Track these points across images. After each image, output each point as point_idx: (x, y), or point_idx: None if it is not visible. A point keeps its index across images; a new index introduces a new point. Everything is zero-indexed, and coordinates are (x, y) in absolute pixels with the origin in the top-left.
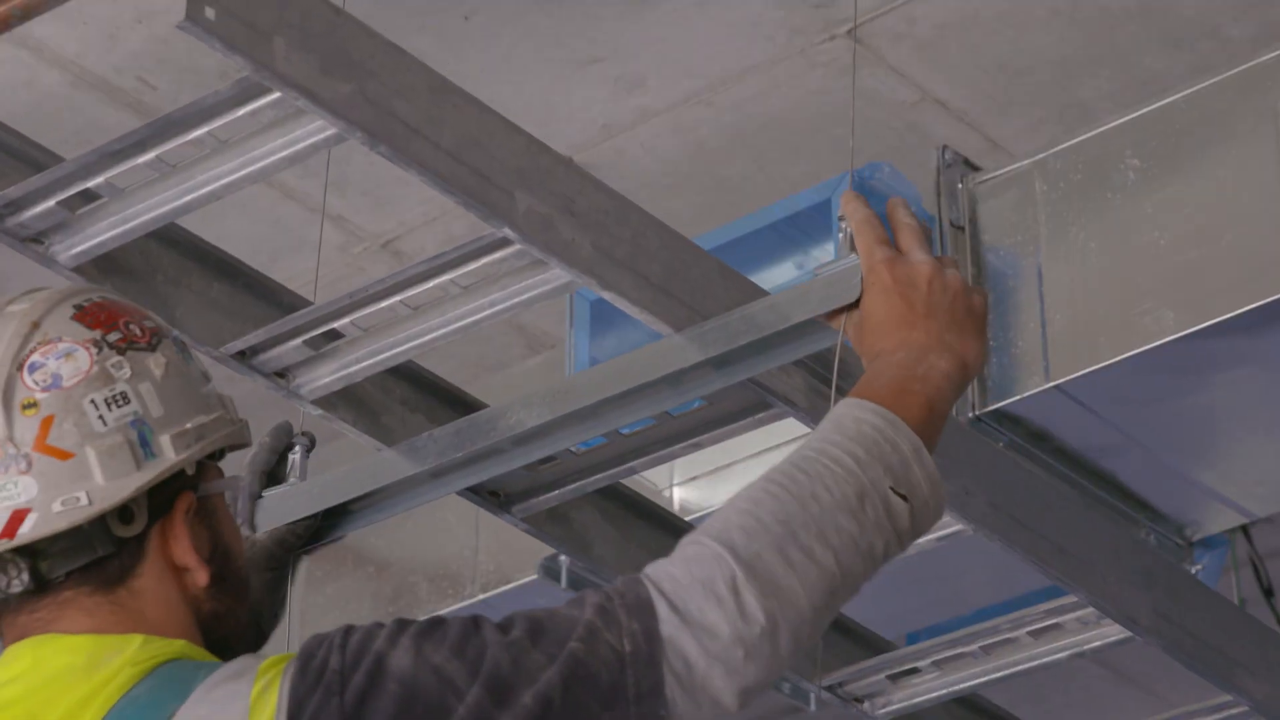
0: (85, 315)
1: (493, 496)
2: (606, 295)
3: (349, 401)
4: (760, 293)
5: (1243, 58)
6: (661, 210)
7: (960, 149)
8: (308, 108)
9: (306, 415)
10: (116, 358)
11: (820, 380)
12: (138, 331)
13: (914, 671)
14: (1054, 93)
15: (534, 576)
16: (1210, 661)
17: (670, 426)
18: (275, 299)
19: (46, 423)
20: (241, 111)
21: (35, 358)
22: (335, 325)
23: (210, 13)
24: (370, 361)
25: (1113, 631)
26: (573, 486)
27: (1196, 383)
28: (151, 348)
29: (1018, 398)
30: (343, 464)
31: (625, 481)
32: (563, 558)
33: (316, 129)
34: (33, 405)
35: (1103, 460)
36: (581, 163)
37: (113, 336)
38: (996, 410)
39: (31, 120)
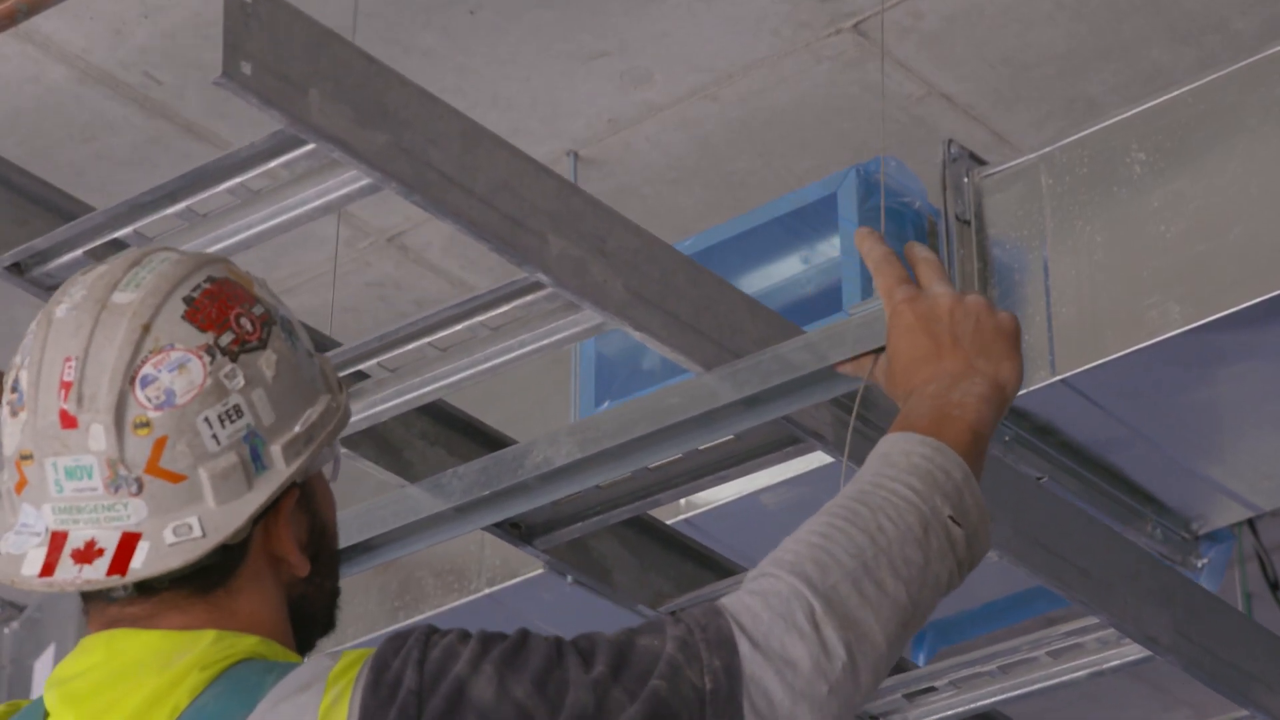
0: (197, 313)
1: (514, 529)
2: (638, 335)
3: (370, 439)
4: (788, 328)
5: (1249, 51)
6: (667, 205)
7: (966, 143)
8: (343, 159)
9: None
10: (230, 366)
11: (848, 413)
12: (249, 326)
13: (931, 690)
14: (1060, 86)
15: (540, 571)
16: (1227, 678)
17: (696, 460)
18: None
19: (159, 444)
20: (275, 163)
21: (148, 369)
22: (362, 367)
23: (246, 68)
24: (396, 402)
25: (1132, 650)
26: (596, 519)
27: (1203, 376)
28: (263, 343)
29: (1024, 392)
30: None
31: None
32: None
33: (350, 179)
34: (146, 425)
35: (1109, 454)
36: (587, 157)
37: (225, 339)
38: None
39: (38, 115)
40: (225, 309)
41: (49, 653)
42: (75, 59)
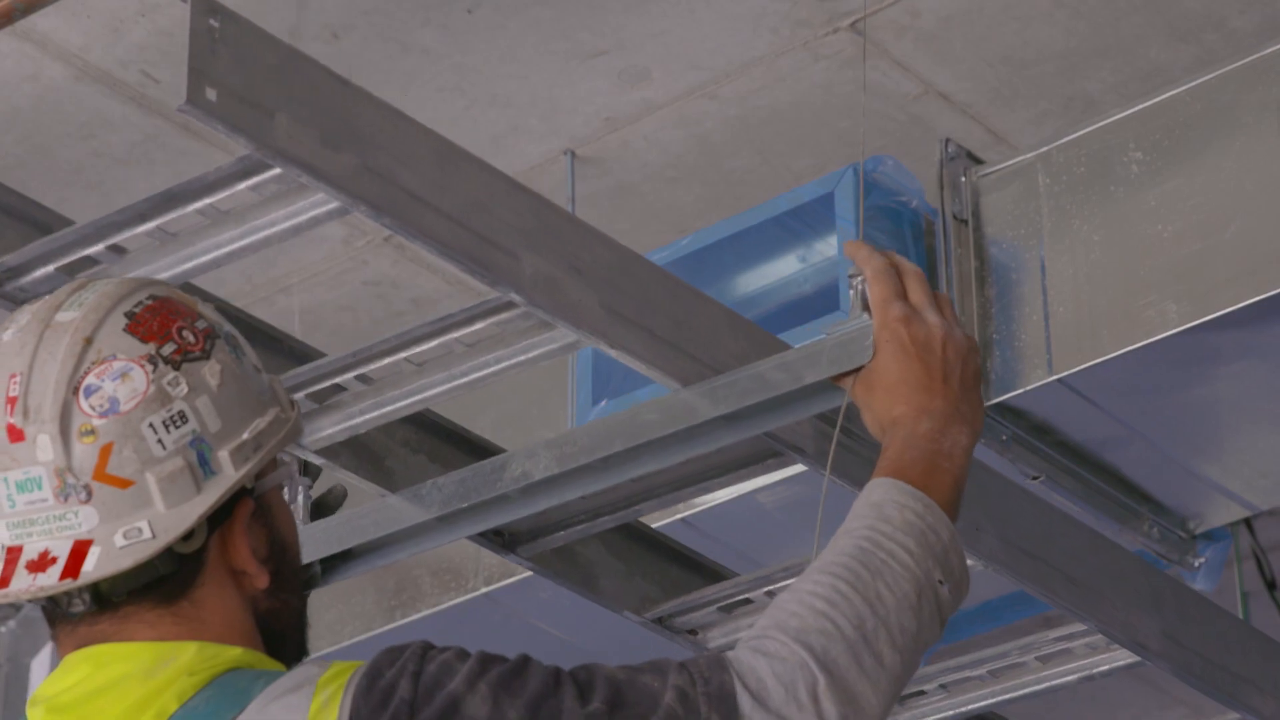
0: (138, 326)
1: (497, 537)
2: (614, 354)
3: (351, 447)
4: (770, 342)
5: (1247, 50)
6: (665, 203)
7: (964, 142)
8: (310, 183)
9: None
10: (172, 374)
11: (830, 426)
12: (191, 338)
13: (920, 694)
14: (1058, 85)
15: None
16: (1218, 681)
17: (679, 471)
18: (277, 349)
19: (106, 450)
20: (243, 185)
21: (91, 379)
22: (339, 380)
23: (211, 94)
24: (374, 414)
25: (1122, 655)
26: (579, 528)
27: (1200, 375)
28: (206, 354)
29: (1021, 391)
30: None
31: None
32: None
33: (319, 201)
34: (91, 432)
35: (1105, 453)
36: (585, 156)
37: (167, 349)
38: (1000, 403)
39: (35, 114)
40: (167, 322)
41: (46, 651)
42: (73, 57)
